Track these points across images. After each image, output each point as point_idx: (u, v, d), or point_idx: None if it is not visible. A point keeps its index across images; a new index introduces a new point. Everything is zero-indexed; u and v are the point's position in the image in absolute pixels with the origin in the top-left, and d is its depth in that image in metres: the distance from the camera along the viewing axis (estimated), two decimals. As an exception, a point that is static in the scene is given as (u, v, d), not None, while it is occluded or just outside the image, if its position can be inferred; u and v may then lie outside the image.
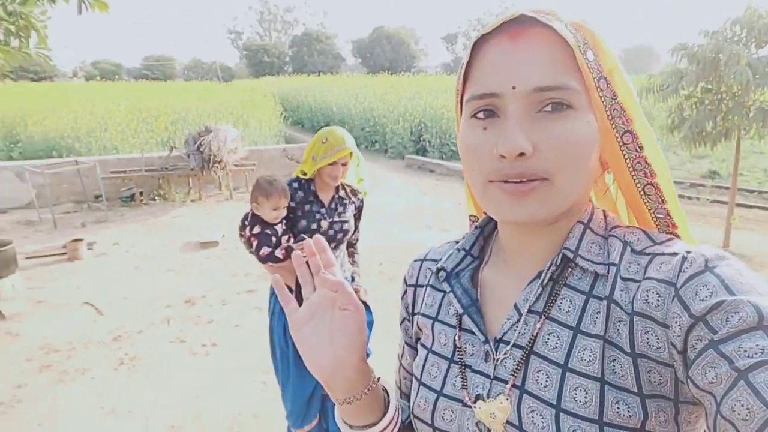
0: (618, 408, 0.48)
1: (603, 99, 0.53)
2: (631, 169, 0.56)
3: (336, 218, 2.06)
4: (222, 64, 62.07)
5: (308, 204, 2.06)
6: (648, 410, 0.48)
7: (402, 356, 0.75)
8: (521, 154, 0.49)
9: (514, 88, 0.50)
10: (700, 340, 0.43)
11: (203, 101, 13.73)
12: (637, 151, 0.56)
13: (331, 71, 46.62)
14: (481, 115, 0.53)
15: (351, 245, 2.31)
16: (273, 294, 2.16)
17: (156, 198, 7.79)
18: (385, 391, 0.66)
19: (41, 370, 3.26)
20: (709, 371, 0.42)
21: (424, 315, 0.67)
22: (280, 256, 1.93)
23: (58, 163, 7.50)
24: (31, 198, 7.07)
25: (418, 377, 0.64)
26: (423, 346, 0.66)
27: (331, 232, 2.04)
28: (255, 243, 1.97)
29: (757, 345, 0.40)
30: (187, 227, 6.46)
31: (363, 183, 2.29)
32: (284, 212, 1.99)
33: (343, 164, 2.01)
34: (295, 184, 2.08)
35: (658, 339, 0.47)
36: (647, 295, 0.49)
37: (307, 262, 0.62)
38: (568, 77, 0.50)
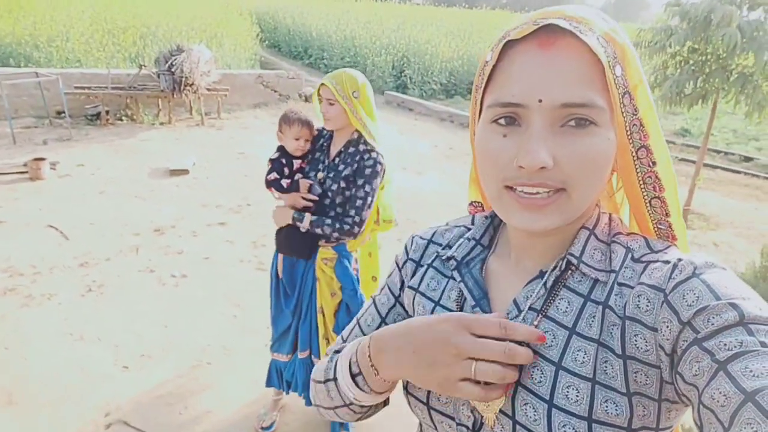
0: (607, 407, 0.51)
1: (625, 114, 0.53)
2: (641, 183, 0.58)
3: (331, 175, 1.94)
4: (195, -26, 57.80)
5: (319, 152, 2.04)
6: (634, 408, 0.51)
7: (383, 307, 0.76)
8: (541, 168, 0.51)
9: (540, 101, 0.50)
10: (686, 341, 0.47)
11: (175, 16, 12.87)
12: (649, 166, 0.57)
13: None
14: (502, 121, 0.53)
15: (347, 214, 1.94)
16: None
17: (123, 118, 7.46)
18: None
19: (5, 293, 3.22)
20: (694, 365, 0.45)
21: (423, 295, 0.69)
22: (284, 185, 1.95)
23: (17, 74, 7.02)
24: (-13, 109, 6.66)
25: None
26: None
27: (324, 186, 1.95)
28: (268, 167, 2.01)
29: (736, 339, 0.43)
30: (155, 151, 6.25)
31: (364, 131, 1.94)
32: (307, 146, 2.00)
33: (329, 102, 1.89)
34: (320, 130, 2.07)
35: (646, 342, 0.50)
36: (638, 300, 0.52)
37: None
38: (594, 94, 0.51)
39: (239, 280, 3.60)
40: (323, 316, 2.11)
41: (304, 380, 2.18)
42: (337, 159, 1.98)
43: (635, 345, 0.51)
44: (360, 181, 1.90)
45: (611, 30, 0.53)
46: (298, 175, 2.01)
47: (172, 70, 7.05)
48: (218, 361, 2.78)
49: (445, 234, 0.73)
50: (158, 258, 3.82)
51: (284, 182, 1.97)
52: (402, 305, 0.74)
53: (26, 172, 5.10)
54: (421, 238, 0.75)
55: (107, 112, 7.26)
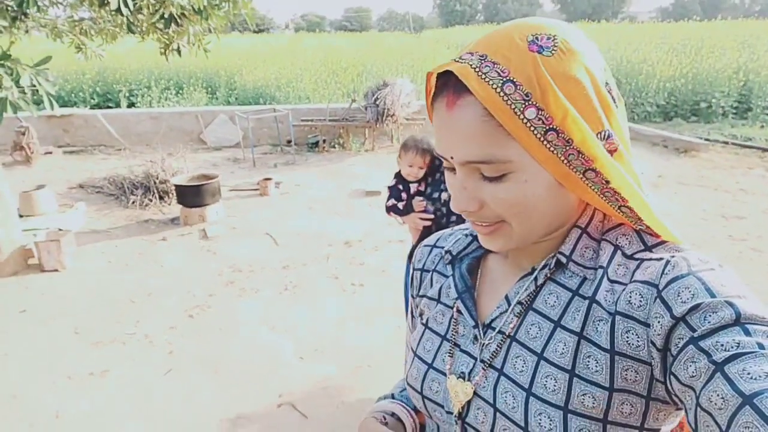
0: (583, 399, 0.52)
1: (554, 149, 0.51)
2: (601, 196, 0.55)
3: None
4: (414, 15, 62.97)
5: (439, 173, 2.14)
6: (612, 403, 0.51)
7: (409, 322, 0.83)
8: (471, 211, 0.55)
9: (452, 157, 0.55)
10: (682, 339, 0.46)
11: (390, 54, 14.27)
12: (603, 184, 0.54)
13: (525, 20, 43.96)
14: (447, 163, 0.58)
15: None
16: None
17: (336, 146, 8.53)
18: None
19: (227, 285, 3.99)
20: (690, 366, 0.44)
21: (429, 297, 0.73)
22: (400, 207, 2.09)
23: (260, 110, 8.64)
24: (239, 139, 8.33)
25: (414, 349, 0.71)
26: (422, 322, 0.73)
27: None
28: (388, 194, 2.17)
29: (733, 339, 0.43)
30: (358, 175, 7.00)
31: None
32: (420, 173, 2.10)
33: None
34: None
35: (638, 338, 0.50)
36: (630, 296, 0.52)
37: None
38: (497, 149, 0.51)
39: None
40: None
41: None
42: None
43: (626, 341, 0.51)
44: None
45: (533, 53, 0.50)
46: (417, 198, 2.10)
47: (377, 102, 7.82)
48: (378, 364, 2.99)
49: (448, 238, 0.76)
50: (343, 267, 4.27)
51: (400, 205, 2.08)
52: (420, 317, 0.77)
53: (258, 189, 6.21)
54: (425, 245, 0.79)
55: (324, 141, 8.39)
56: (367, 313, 3.56)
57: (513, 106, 0.49)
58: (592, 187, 0.54)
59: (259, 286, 3.97)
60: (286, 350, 3.14)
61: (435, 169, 2.12)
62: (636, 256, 0.55)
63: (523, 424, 0.54)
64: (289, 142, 8.32)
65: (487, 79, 0.49)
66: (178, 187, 5.19)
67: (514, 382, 0.57)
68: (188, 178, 5.44)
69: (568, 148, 0.51)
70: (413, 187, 2.13)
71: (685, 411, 0.45)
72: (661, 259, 0.53)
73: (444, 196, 2.07)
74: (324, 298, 3.78)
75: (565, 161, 0.52)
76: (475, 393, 0.60)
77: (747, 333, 0.43)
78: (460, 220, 2.08)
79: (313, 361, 3.04)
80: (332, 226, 5.18)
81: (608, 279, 0.55)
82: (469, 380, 0.61)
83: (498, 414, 0.57)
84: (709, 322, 0.45)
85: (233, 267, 4.29)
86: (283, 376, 2.89)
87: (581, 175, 0.53)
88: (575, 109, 0.50)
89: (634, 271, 0.54)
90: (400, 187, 2.13)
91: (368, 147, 8.39)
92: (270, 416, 2.59)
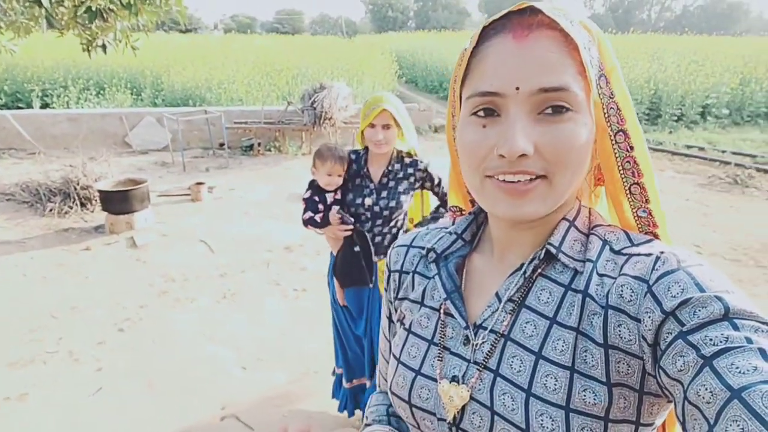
0: (585, 396, 0.51)
1: (602, 96, 0.55)
2: (620, 168, 0.58)
3: (383, 195, 1.99)
4: (347, 19, 63.15)
5: (359, 178, 2.04)
6: (612, 398, 0.50)
7: (386, 330, 0.79)
8: (522, 155, 0.51)
9: (517, 89, 0.51)
10: (670, 333, 0.46)
11: (324, 57, 14.18)
12: (627, 150, 0.57)
13: (455, 27, 45.24)
14: (481, 113, 0.55)
15: (438, 196, 2.10)
16: (332, 258, 2.27)
17: (272, 149, 8.34)
18: None
19: (160, 295, 3.77)
20: (678, 360, 0.44)
21: (411, 300, 0.70)
22: (318, 220, 2.02)
23: (191, 112, 8.29)
24: (167, 142, 7.94)
25: (397, 356, 0.67)
26: (404, 327, 0.69)
27: (376, 209, 2.00)
28: (303, 207, 2.08)
29: (722, 334, 0.43)
30: (295, 179, 6.87)
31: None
32: (339, 181, 2.01)
33: (384, 126, 1.89)
34: (353, 156, 2.06)
35: (629, 332, 0.50)
36: (621, 290, 0.51)
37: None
38: (570, 79, 0.52)
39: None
40: None
41: None
42: (385, 179, 2.01)
43: (619, 335, 0.51)
44: (427, 182, 2.05)
45: (584, 19, 0.55)
46: (334, 208, 2.04)
47: (314, 105, 7.74)
48: (325, 370, 2.92)
49: (425, 237, 0.73)
50: (284, 272, 4.17)
51: (318, 217, 2.02)
52: (400, 322, 0.73)
53: (189, 194, 5.95)
54: (400, 245, 0.76)
55: (259, 144, 8.18)
56: (311, 318, 3.49)
57: (582, 43, 0.53)
58: (617, 153, 0.57)
59: (194, 295, 3.79)
60: (228, 360, 3.02)
61: (354, 175, 2.04)
62: (624, 251, 0.56)
63: (524, 426, 0.52)
64: (221, 145, 8.03)
65: (558, 16, 0.52)
66: (103, 193, 4.86)
67: (511, 383, 0.55)
68: (114, 183, 5.12)
69: (611, 100, 0.55)
70: (329, 197, 2.05)
71: (674, 404, 0.46)
72: (650, 254, 0.53)
73: (368, 201, 2.00)
74: (265, 305, 3.66)
75: (606, 114, 0.55)
76: (470, 397, 0.57)
77: (735, 328, 0.43)
78: (385, 224, 2.02)
79: (257, 370, 2.94)
80: (271, 231, 5.05)
81: (597, 273, 0.55)
82: (463, 383, 0.58)
83: (496, 417, 0.55)
84: (698, 317, 0.45)
85: (166, 276, 4.07)
86: (226, 388, 2.77)
87: (613, 136, 0.57)
88: (617, 71, 0.56)
89: (623, 266, 0.54)
90: (316, 198, 2.04)
91: (305, 150, 8.28)
92: (213, 430, 2.47)
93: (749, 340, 0.42)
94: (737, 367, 0.40)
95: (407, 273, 0.73)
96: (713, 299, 0.45)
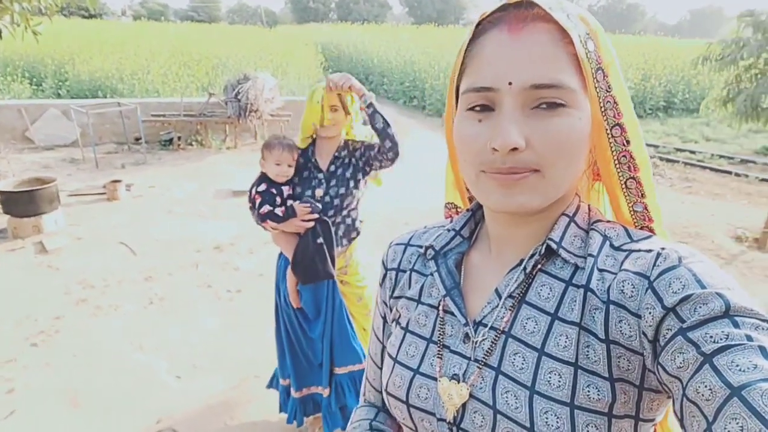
0: (589, 392, 0.50)
1: (598, 90, 0.55)
2: (616, 162, 0.58)
3: (332, 183, 1.97)
4: (267, 9, 61.44)
5: (306, 170, 2.00)
6: (616, 393, 0.50)
7: (379, 331, 0.77)
8: (514, 149, 0.51)
9: (510, 83, 0.51)
10: (670, 329, 0.46)
11: (245, 47, 13.69)
12: (624, 144, 0.58)
13: (376, 20, 45.37)
14: (477, 108, 0.54)
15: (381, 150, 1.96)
16: (280, 258, 2.19)
17: (193, 143, 7.94)
18: None
19: (78, 304, 3.47)
20: (678, 357, 0.44)
21: (407, 298, 0.69)
22: (279, 214, 1.92)
23: (102, 104, 7.70)
24: (76, 137, 7.32)
25: (394, 356, 0.66)
26: (400, 326, 0.68)
27: (327, 199, 1.96)
28: (258, 200, 1.96)
29: (722, 331, 0.43)
30: (221, 174, 6.59)
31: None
32: (289, 172, 1.95)
33: (332, 108, 1.92)
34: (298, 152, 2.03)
35: (630, 328, 0.50)
36: (622, 286, 0.51)
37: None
38: (564, 74, 0.52)
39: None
40: (355, 322, 2.17)
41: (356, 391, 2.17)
42: (333, 167, 2.00)
43: (620, 330, 0.51)
44: (368, 152, 1.98)
45: (583, 12, 0.55)
46: (289, 202, 1.96)
47: (238, 97, 7.45)
48: (265, 374, 2.82)
49: (423, 236, 0.73)
50: (216, 274, 3.98)
51: (279, 211, 1.93)
52: (396, 321, 0.71)
53: (104, 193, 5.52)
54: (398, 244, 0.75)
55: (179, 138, 7.76)
56: (248, 320, 3.36)
57: (579, 35, 0.52)
58: (613, 147, 0.57)
59: (118, 302, 3.52)
60: (160, 370, 2.83)
61: (302, 167, 2.00)
62: (624, 247, 0.56)
63: (528, 425, 0.51)
64: (137, 139, 7.53)
65: (555, 9, 0.52)
66: (4, 194, 4.39)
67: (514, 380, 0.54)
68: (16, 182, 4.64)
69: (608, 94, 0.55)
70: (285, 190, 1.97)
71: (673, 401, 0.46)
72: (650, 250, 0.53)
73: (318, 192, 1.97)
74: (197, 309, 3.48)
75: (602, 107, 0.55)
76: (470, 395, 0.56)
77: (736, 325, 0.43)
78: (338, 213, 1.98)
79: (192, 378, 2.79)
80: (198, 230, 4.81)
81: (598, 268, 0.54)
82: (464, 381, 0.57)
83: (499, 416, 0.54)
84: (698, 314, 0.45)
85: (83, 283, 3.75)
86: (160, 399, 2.60)
87: (609, 130, 0.56)
88: (615, 64, 0.56)
89: (623, 262, 0.54)
90: (274, 191, 1.95)
91: (230, 144, 7.96)
92: (148, 447, 2.32)
93: (749, 338, 0.42)
94: (737, 365, 0.40)
95: (404, 271, 0.71)
96: (714, 296, 0.45)
